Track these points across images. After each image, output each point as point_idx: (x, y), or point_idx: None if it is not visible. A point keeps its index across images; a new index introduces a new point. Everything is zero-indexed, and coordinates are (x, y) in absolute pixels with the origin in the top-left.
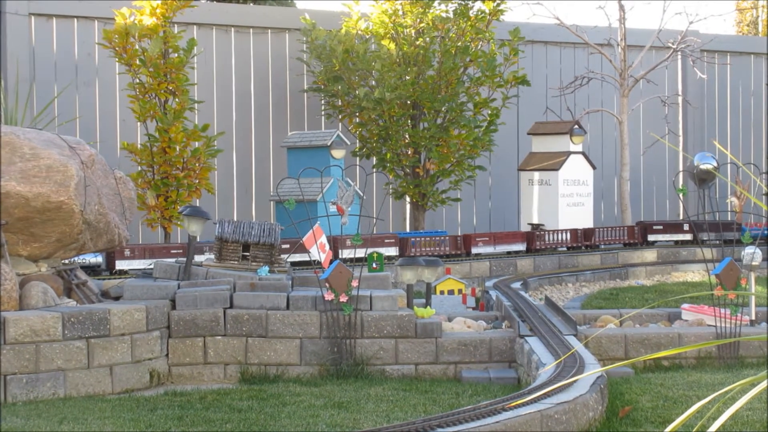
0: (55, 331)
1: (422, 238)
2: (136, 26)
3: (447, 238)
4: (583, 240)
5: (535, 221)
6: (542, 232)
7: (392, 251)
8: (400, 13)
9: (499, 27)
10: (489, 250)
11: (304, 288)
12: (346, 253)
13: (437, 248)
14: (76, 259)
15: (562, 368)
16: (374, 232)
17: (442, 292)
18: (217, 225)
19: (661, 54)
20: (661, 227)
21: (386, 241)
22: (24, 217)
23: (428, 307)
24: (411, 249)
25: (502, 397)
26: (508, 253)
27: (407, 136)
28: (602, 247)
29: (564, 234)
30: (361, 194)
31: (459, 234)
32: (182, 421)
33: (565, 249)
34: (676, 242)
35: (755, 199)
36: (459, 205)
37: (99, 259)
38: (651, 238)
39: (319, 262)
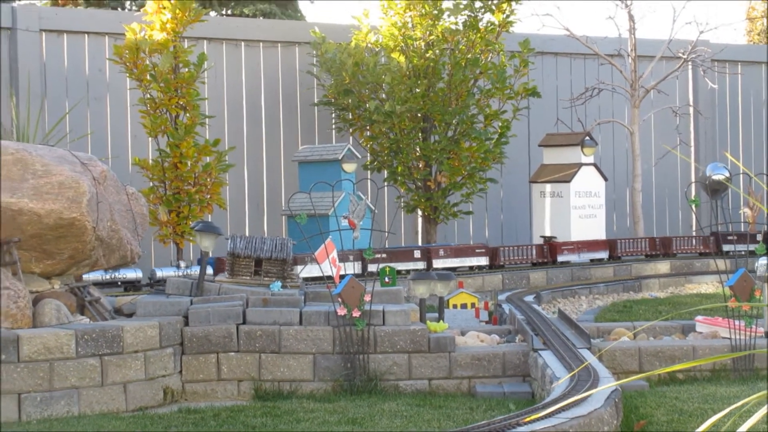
0: (69, 348)
1: (511, 247)
2: (147, 41)
3: (533, 246)
4: (661, 249)
5: (548, 233)
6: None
7: (483, 261)
8: (410, 25)
9: (508, 39)
10: (574, 258)
11: (317, 303)
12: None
13: (523, 257)
14: (116, 274)
15: (576, 382)
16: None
17: (455, 306)
18: (229, 240)
19: (672, 64)
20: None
21: (477, 251)
22: (36, 234)
23: (441, 321)
24: (500, 258)
25: (516, 411)
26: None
27: (418, 149)
28: (678, 255)
29: (642, 243)
30: (373, 208)
31: (544, 242)
32: None
33: (643, 256)
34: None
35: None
36: (471, 217)
37: (138, 274)
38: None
39: (331, 277)
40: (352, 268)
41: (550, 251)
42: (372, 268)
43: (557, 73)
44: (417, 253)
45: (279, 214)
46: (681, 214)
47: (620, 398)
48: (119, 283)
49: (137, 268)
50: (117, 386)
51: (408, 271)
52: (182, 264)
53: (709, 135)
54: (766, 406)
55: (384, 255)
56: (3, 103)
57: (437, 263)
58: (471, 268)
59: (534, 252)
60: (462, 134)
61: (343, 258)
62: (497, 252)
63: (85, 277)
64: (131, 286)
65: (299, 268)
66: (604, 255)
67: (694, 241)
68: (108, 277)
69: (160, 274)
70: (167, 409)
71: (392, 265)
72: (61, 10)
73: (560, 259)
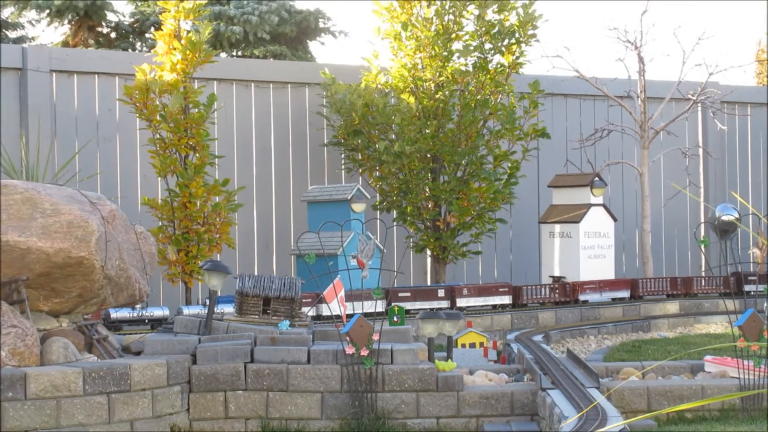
0: (76, 386)
1: (534, 286)
2: (157, 82)
3: (556, 285)
4: (682, 288)
5: (557, 274)
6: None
7: (506, 300)
8: (420, 67)
9: (518, 80)
10: (596, 297)
11: (325, 342)
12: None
13: (546, 296)
14: (143, 312)
15: (585, 421)
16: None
17: (463, 345)
18: (238, 279)
19: (681, 106)
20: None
21: (500, 290)
22: (45, 273)
23: (449, 360)
24: (523, 297)
25: None
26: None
27: (427, 190)
28: (699, 295)
29: (663, 282)
30: (382, 248)
31: (568, 281)
32: None
33: (665, 296)
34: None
35: None
36: (480, 258)
37: (165, 312)
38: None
39: (339, 316)
40: (374, 306)
41: (572, 290)
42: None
43: (567, 114)
44: (441, 292)
45: (288, 254)
46: (690, 255)
47: None
48: (146, 320)
49: (164, 306)
50: (124, 423)
51: (432, 310)
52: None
53: (718, 176)
54: None
55: (408, 294)
56: (13, 143)
57: (461, 302)
58: (494, 307)
59: (557, 291)
60: (471, 175)
61: (368, 296)
62: (520, 291)
63: (113, 315)
64: (158, 323)
65: (306, 309)
66: (625, 294)
67: (715, 281)
68: (135, 314)
69: (186, 312)
70: None
71: (416, 303)
72: (72, 51)
73: (582, 298)
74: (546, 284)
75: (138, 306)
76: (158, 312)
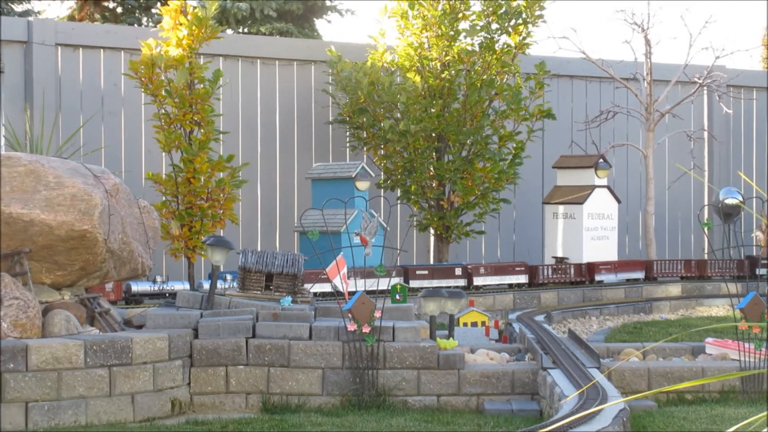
0: (78, 358)
1: (550, 266)
2: (162, 57)
3: (572, 265)
4: (696, 271)
5: (560, 254)
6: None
7: (522, 279)
8: (426, 46)
9: (524, 60)
10: (611, 277)
11: (327, 318)
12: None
13: (562, 276)
14: (164, 285)
15: (585, 400)
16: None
17: (465, 324)
18: (241, 255)
19: (687, 89)
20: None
21: (517, 269)
22: (48, 245)
23: (451, 338)
24: (539, 276)
25: (524, 429)
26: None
27: (432, 169)
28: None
29: (678, 264)
30: (385, 226)
31: (583, 262)
32: None
33: (678, 278)
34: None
35: None
36: (483, 237)
37: (186, 286)
38: None
39: (341, 293)
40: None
41: (588, 270)
42: (414, 283)
43: (572, 96)
44: (458, 271)
45: (291, 231)
46: (693, 238)
47: (628, 417)
48: (167, 294)
49: (185, 280)
50: (125, 397)
51: (449, 287)
52: (228, 277)
53: (723, 159)
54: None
55: (426, 272)
56: (17, 116)
57: (478, 281)
58: (510, 286)
59: (573, 271)
60: (476, 154)
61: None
62: (537, 270)
63: (134, 288)
64: None
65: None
66: (640, 275)
67: (728, 264)
68: (157, 288)
69: (206, 286)
70: (175, 420)
71: (434, 281)
72: (78, 25)
73: (598, 278)
74: (563, 264)
75: (159, 280)
76: (179, 286)
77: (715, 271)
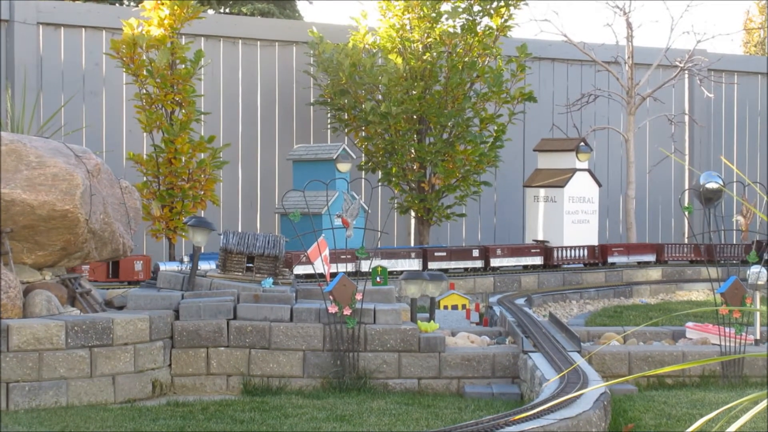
0: (59, 339)
1: (565, 248)
2: (144, 37)
3: (585, 247)
4: (705, 255)
5: (540, 238)
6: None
7: (537, 260)
8: (408, 28)
9: (506, 43)
10: (623, 260)
11: (308, 300)
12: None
13: (577, 257)
14: (190, 266)
15: (566, 384)
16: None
17: (446, 307)
18: (222, 236)
19: (669, 72)
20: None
21: (532, 251)
22: (29, 225)
23: (432, 321)
24: (554, 258)
25: (504, 412)
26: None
27: (413, 151)
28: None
29: (687, 248)
30: (367, 208)
31: (597, 244)
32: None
33: (688, 262)
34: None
35: (762, 215)
36: (464, 220)
37: (212, 266)
38: None
39: (323, 275)
40: (416, 264)
41: (601, 252)
42: (433, 265)
43: (554, 79)
44: (476, 252)
45: (272, 212)
46: (674, 222)
47: (609, 401)
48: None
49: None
50: (106, 378)
51: (466, 269)
52: (185, 259)
53: (703, 144)
54: (751, 411)
55: (444, 253)
56: None
57: (494, 262)
58: (525, 267)
59: (586, 253)
60: (457, 137)
61: (406, 255)
62: (551, 252)
63: (162, 268)
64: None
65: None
66: (651, 258)
67: (738, 248)
68: (184, 268)
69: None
70: (156, 401)
71: (452, 263)
72: (59, 4)
73: (611, 260)
74: (577, 245)
75: (186, 260)
76: (205, 266)
77: (724, 255)
